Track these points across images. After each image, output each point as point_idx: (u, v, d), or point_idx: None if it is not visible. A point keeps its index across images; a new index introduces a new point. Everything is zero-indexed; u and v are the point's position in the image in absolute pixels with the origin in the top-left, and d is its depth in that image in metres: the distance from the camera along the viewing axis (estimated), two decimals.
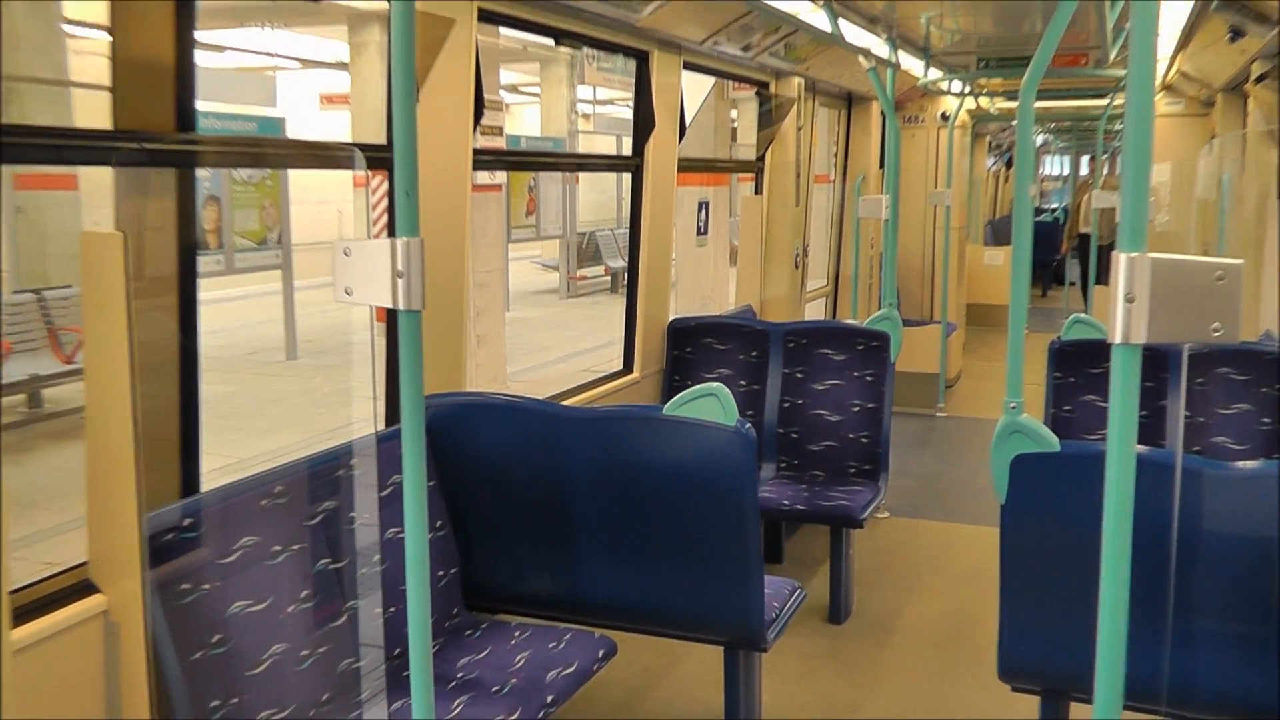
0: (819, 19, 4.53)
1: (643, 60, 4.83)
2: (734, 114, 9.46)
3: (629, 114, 4.81)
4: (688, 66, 5.22)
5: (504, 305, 11.80)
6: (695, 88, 8.27)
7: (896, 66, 5.31)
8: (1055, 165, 19.92)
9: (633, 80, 4.86)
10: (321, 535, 2.80)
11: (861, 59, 4.83)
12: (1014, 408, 2.86)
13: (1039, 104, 11.22)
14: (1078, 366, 4.54)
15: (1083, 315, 4.57)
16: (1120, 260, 1.36)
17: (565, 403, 4.28)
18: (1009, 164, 19.79)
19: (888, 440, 5.00)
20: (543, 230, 16.48)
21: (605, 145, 20.36)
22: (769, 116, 6.54)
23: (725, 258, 13.90)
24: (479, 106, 3.49)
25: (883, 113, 8.83)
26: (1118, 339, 1.37)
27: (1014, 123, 15.70)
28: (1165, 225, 8.73)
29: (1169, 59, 7.01)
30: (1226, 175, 7.40)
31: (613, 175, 22.02)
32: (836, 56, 6.39)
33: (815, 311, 8.79)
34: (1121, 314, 1.37)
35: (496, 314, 10.66)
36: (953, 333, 9.70)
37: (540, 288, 19.31)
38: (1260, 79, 5.90)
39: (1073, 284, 16.82)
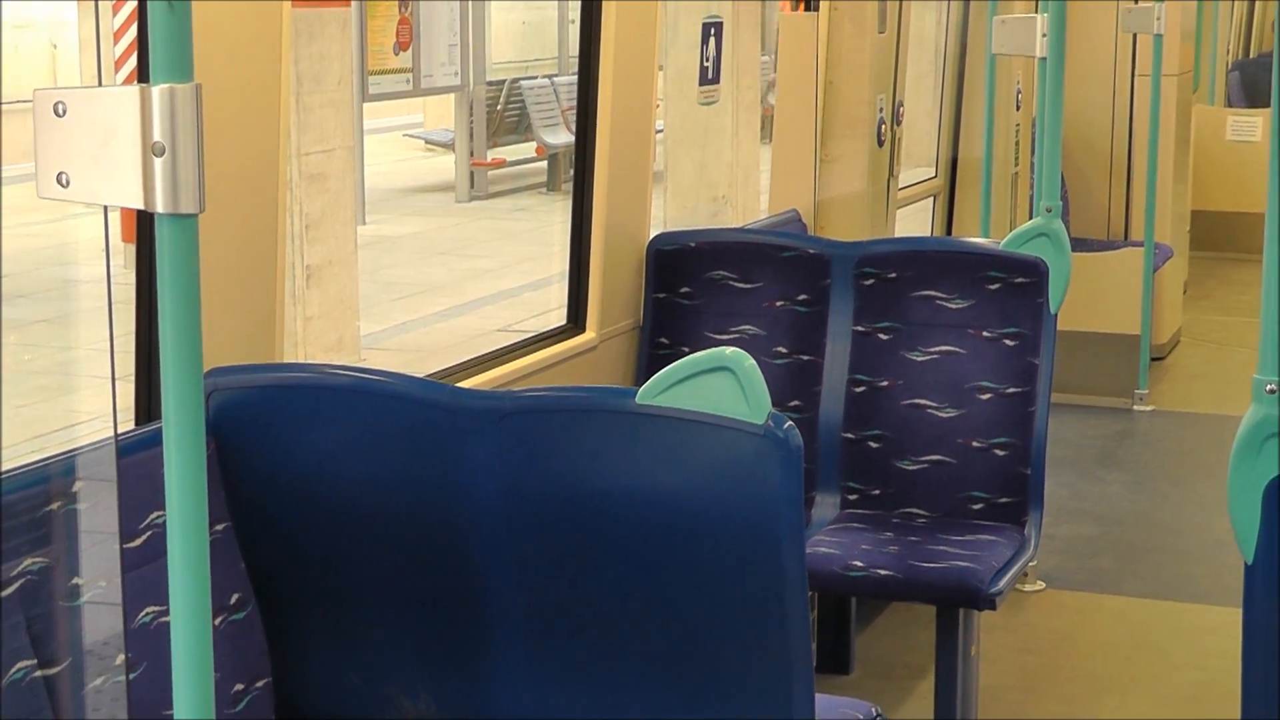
0: None
1: None
2: None
3: None
4: None
5: (356, 213, 11.84)
6: None
7: None
8: None
9: None
10: (18, 619, 2.82)
11: None
12: (1273, 392, 2.90)
13: None
14: None
15: None
16: None
17: (465, 384, 4.30)
18: None
19: (1042, 453, 5.04)
20: (426, 77, 16.41)
21: None
22: None
23: (753, 126, 13.90)
24: None
25: None
26: None
27: None
28: None
29: None
30: None
31: None
32: None
33: (915, 223, 8.84)
34: None
35: (341, 229, 10.64)
36: (1166, 262, 9.78)
37: (423, 182, 19.32)
38: None
39: None
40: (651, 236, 5.37)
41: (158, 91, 1.81)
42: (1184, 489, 7.81)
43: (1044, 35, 5.83)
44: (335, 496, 3.37)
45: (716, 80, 6.55)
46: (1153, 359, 9.40)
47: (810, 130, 6.59)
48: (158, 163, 1.81)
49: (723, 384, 3.08)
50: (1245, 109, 15.01)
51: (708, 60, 6.20)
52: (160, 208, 1.81)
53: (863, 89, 6.69)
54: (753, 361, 3.09)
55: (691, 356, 3.11)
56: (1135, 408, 9.05)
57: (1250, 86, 16.48)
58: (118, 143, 1.82)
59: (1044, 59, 5.80)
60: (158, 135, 1.80)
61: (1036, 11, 5.98)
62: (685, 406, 3.10)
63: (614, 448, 3.20)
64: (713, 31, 6.21)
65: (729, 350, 3.12)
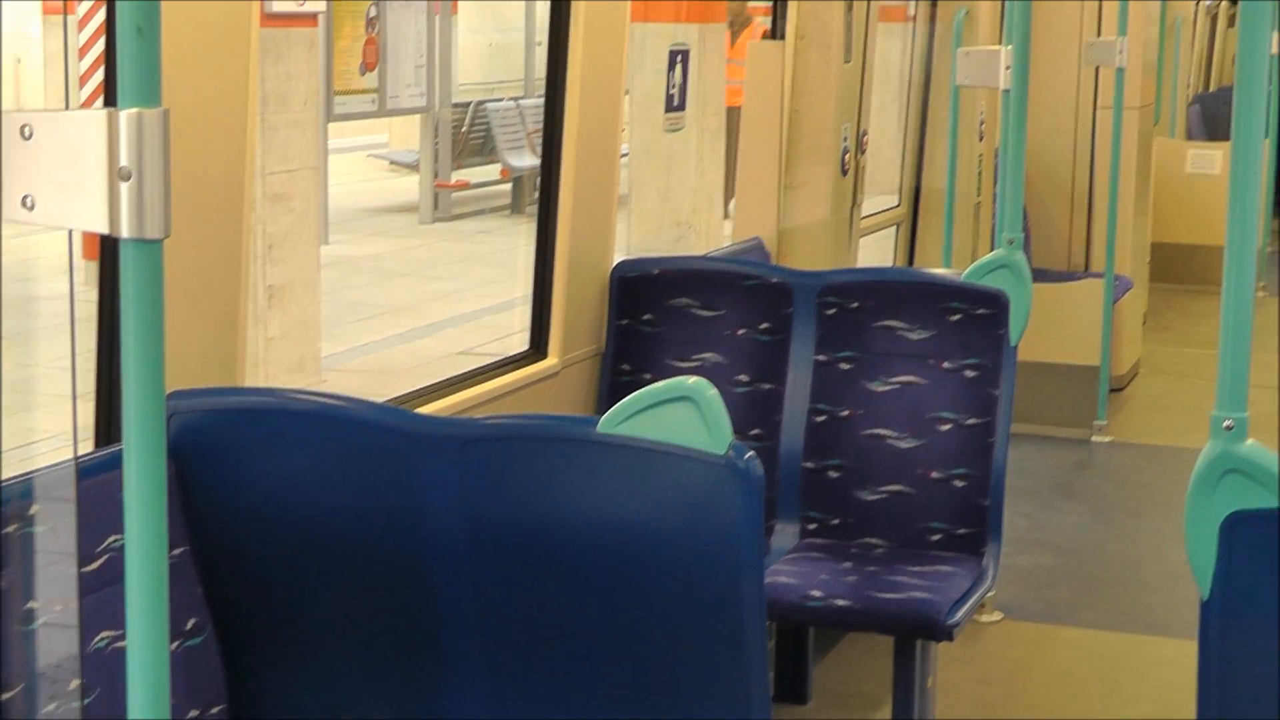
0: None
1: None
2: None
3: None
4: None
5: (319, 233, 11.81)
6: None
7: None
8: None
9: None
10: None
11: None
12: (1231, 429, 2.92)
13: None
14: None
15: None
16: None
17: (426, 409, 4.29)
18: None
19: (1002, 485, 5.05)
20: (392, 98, 16.41)
21: None
22: None
23: (718, 152, 13.96)
24: None
25: None
26: None
27: None
28: None
29: None
30: None
31: (518, 1, 22.01)
32: None
33: (878, 252, 8.86)
34: None
35: (305, 249, 10.63)
36: (1126, 294, 9.82)
37: (387, 202, 19.30)
38: None
39: None
40: (615, 263, 5.37)
41: (125, 116, 1.80)
42: (1142, 521, 7.84)
43: (1007, 68, 5.86)
44: (295, 522, 3.36)
45: (683, 107, 6.58)
46: (1112, 390, 9.44)
47: (775, 159, 6.60)
48: (124, 187, 1.80)
49: (684, 414, 3.09)
50: (1205, 142, 15.11)
51: (674, 87, 6.23)
52: (126, 233, 1.81)
53: (828, 118, 6.71)
54: (714, 391, 3.10)
55: (653, 386, 3.11)
56: (1094, 439, 9.08)
57: (1210, 120, 16.58)
58: (84, 167, 1.82)
59: (1007, 91, 5.84)
60: (124, 160, 1.80)
61: (1001, 44, 6.01)
62: (647, 436, 3.10)
63: (575, 476, 3.20)
64: (679, 59, 6.24)
65: (690, 380, 3.12)
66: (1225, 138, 15.20)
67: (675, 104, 6.41)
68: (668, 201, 14.43)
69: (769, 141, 6.62)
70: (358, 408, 3.38)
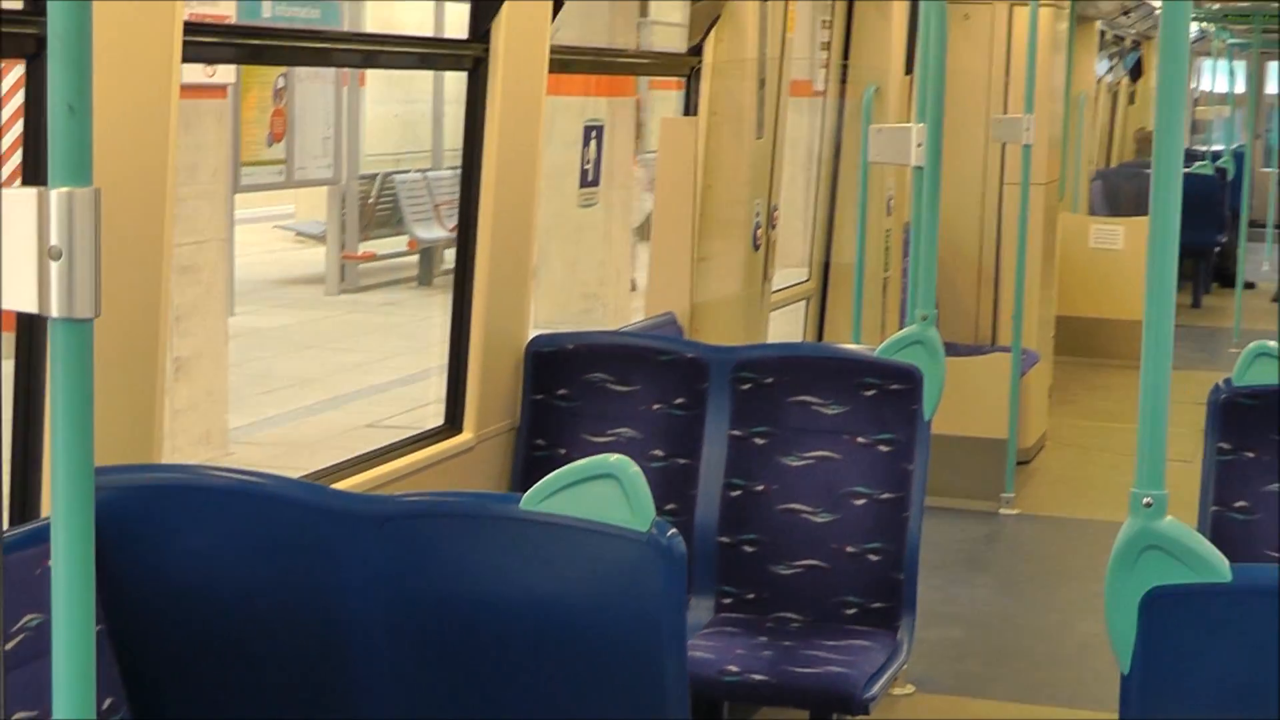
0: None
1: None
2: None
3: None
4: None
5: (227, 304, 11.75)
6: None
7: None
8: (1218, 77, 20.38)
9: None
10: None
11: None
12: (1150, 505, 2.94)
13: None
14: (1261, 433, 4.66)
15: (1270, 345, 4.69)
16: None
17: (341, 485, 4.27)
18: (1136, 72, 20.24)
19: (915, 559, 5.08)
20: (299, 170, 16.38)
21: (415, 15, 20.36)
22: None
23: (626, 225, 13.97)
24: None
25: None
26: None
27: (1147, 2, 16.11)
28: None
29: None
30: None
31: (426, 74, 21.99)
32: None
33: (787, 326, 8.89)
34: None
35: (212, 321, 10.58)
36: (1032, 367, 9.89)
37: (294, 274, 19.21)
38: None
39: (1250, 286, 17.23)
40: (530, 338, 5.36)
41: (56, 195, 1.79)
42: (1050, 593, 7.88)
43: (919, 144, 5.90)
44: (213, 600, 3.33)
45: (597, 183, 6.57)
46: (1019, 463, 9.49)
47: (687, 233, 6.62)
48: (54, 267, 1.79)
49: (606, 491, 3.09)
50: (1107, 217, 15.27)
51: (588, 163, 6.23)
52: (56, 312, 1.80)
53: (740, 193, 6.74)
54: (637, 469, 3.10)
55: (575, 464, 3.11)
56: (1001, 511, 9.12)
57: (1112, 195, 16.78)
58: (13, 245, 1.80)
59: (918, 167, 5.88)
60: (55, 239, 1.79)
61: (911, 121, 6.05)
62: (569, 513, 3.10)
63: (497, 554, 3.19)
64: (594, 135, 6.25)
65: (613, 457, 3.12)
66: (1127, 213, 15.46)
67: (589, 179, 6.40)
68: (575, 274, 14.47)
69: (682, 216, 6.64)
70: (277, 485, 3.36)
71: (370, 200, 18.60)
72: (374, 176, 18.91)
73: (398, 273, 19.01)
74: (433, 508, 3.25)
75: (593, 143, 6.19)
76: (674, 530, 3.09)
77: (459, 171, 5.26)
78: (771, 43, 6.84)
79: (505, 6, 4.92)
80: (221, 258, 11.01)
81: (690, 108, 6.69)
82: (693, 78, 6.67)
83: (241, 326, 14.76)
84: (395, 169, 19.76)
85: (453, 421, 5.10)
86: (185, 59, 3.55)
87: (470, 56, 4.97)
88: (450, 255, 19.12)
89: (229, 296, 12.62)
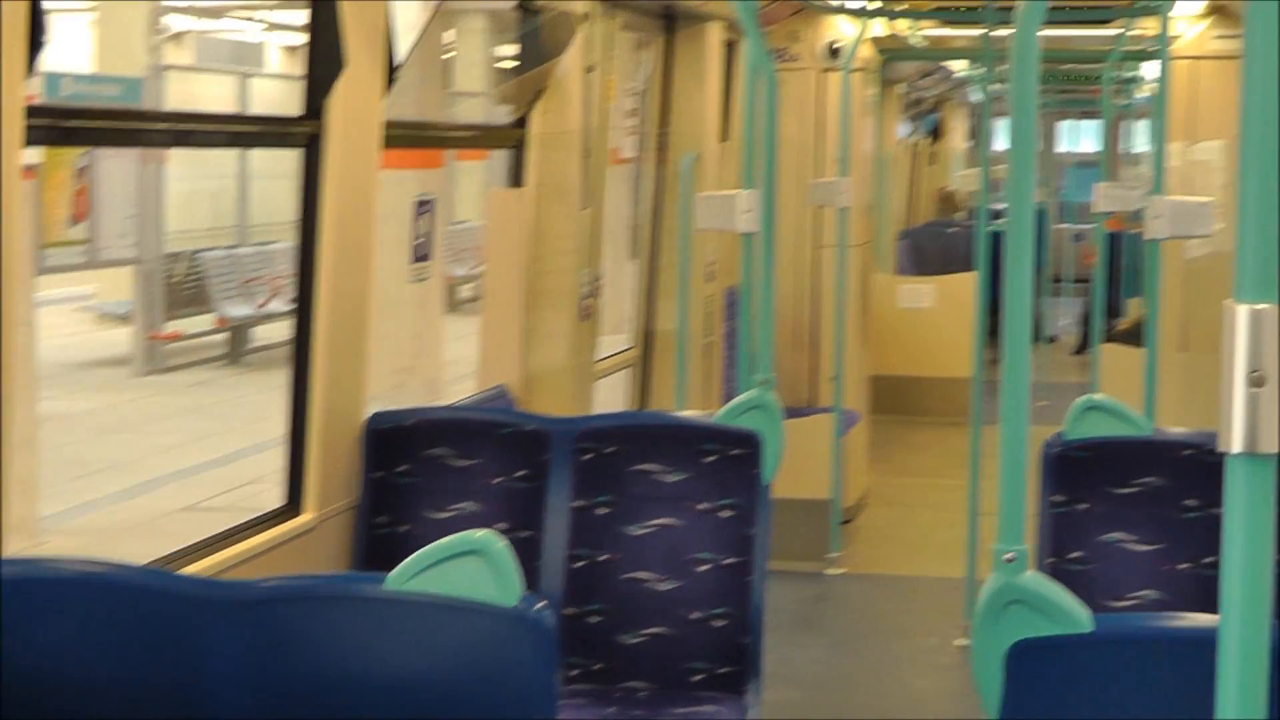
0: None
1: None
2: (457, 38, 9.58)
3: (266, 37, 4.80)
4: None
5: (34, 389, 11.53)
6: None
7: None
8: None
9: None
10: None
11: None
12: (1011, 560, 2.99)
13: (972, 31, 11.73)
14: (1093, 484, 4.76)
15: (1098, 398, 4.80)
16: (1238, 317, 1.48)
17: (189, 570, 4.21)
18: (935, 133, 20.66)
19: (760, 622, 5.11)
20: (102, 250, 16.19)
21: (216, 93, 20.25)
22: (536, 49, 6.65)
23: (438, 297, 13.85)
24: (36, 29, 3.46)
25: (729, 43, 9.09)
26: (1237, 446, 1.48)
27: (949, 62, 16.42)
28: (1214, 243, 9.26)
29: None
30: None
31: (230, 150, 21.87)
32: None
33: (610, 395, 8.91)
34: (1242, 408, 1.48)
35: (17, 405, 10.36)
36: (852, 427, 10.01)
37: (98, 355, 18.92)
38: None
39: (1052, 340, 17.64)
40: (370, 414, 5.34)
41: None
42: (882, 650, 7.96)
43: (745, 211, 5.95)
44: (68, 695, 3.26)
45: (428, 258, 6.55)
46: (842, 522, 9.59)
47: (517, 305, 6.63)
48: None
49: (472, 568, 3.09)
50: (914, 276, 15.51)
51: (420, 237, 6.22)
52: None
53: (567, 263, 6.77)
54: (503, 544, 3.10)
55: (440, 541, 3.10)
56: (828, 571, 9.20)
57: (917, 254, 17.05)
58: None
59: (751, 233, 5.92)
60: None
61: (741, 188, 6.07)
62: (436, 593, 3.09)
63: (363, 635, 3.16)
64: (425, 209, 6.24)
65: (478, 533, 3.12)
66: (932, 272, 15.69)
67: (421, 254, 6.38)
68: (388, 346, 14.36)
69: (511, 288, 6.65)
70: (130, 573, 3.31)
71: (176, 279, 18.40)
72: (179, 254, 18.72)
73: (205, 352, 18.81)
74: (296, 591, 3.22)
75: (425, 216, 6.18)
76: (543, 603, 3.10)
77: (265, 248, 5.24)
78: (596, 112, 6.90)
79: (339, 83, 4.92)
80: (26, 341, 10.82)
81: (517, 178, 6.71)
82: (519, 149, 6.70)
83: (48, 411, 14.51)
84: (201, 246, 19.57)
85: (293, 502, 5.05)
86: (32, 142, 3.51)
87: (304, 133, 4.95)
88: (260, 333, 19.06)
89: (33, 379, 12.41)
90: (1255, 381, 1.48)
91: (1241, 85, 1.55)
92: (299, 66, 5.09)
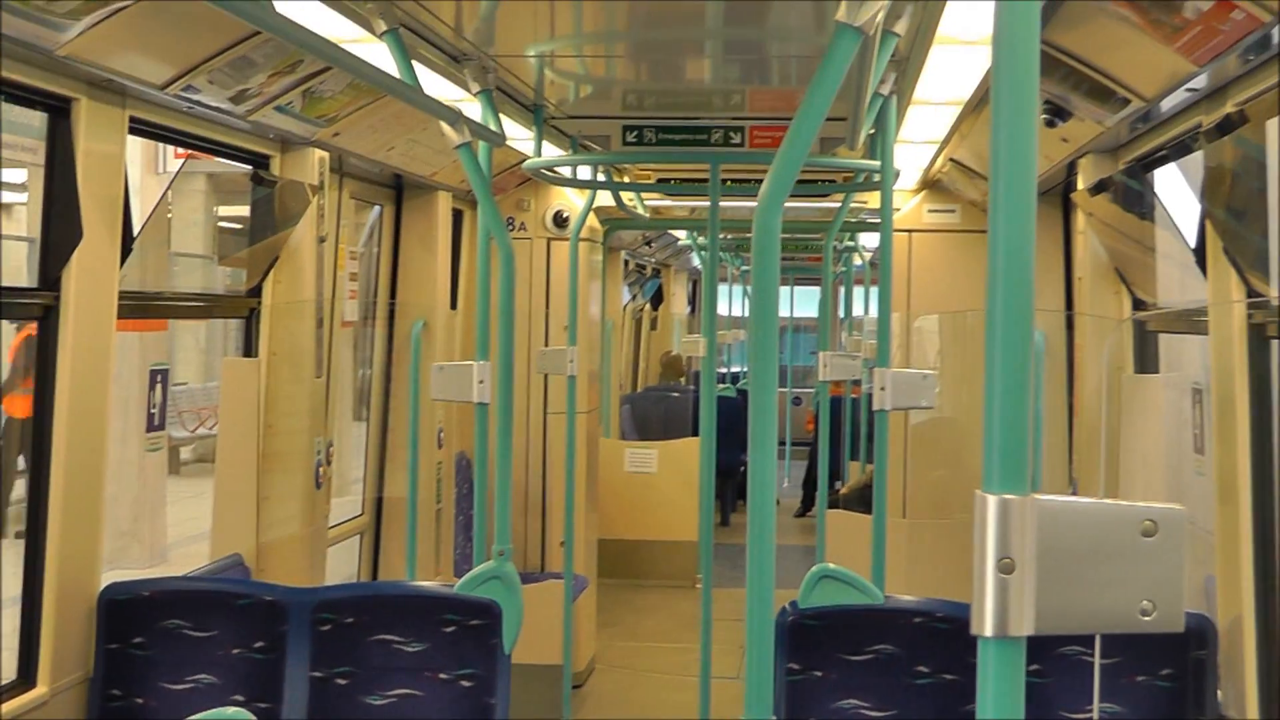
0: (376, 53, 4.76)
1: (59, 116, 4.86)
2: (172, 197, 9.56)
3: None
4: (136, 130, 5.28)
5: None
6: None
7: (501, 139, 5.60)
8: (733, 303, 21.17)
9: None
10: None
11: (447, 128, 5.07)
12: None
13: (693, 202, 11.99)
14: (827, 652, 4.88)
15: (831, 567, 4.94)
16: (988, 506, 1.59)
17: None
18: (656, 300, 20.95)
19: None
20: None
21: None
22: (269, 218, 6.68)
23: (160, 463, 13.73)
24: None
25: (457, 210, 9.21)
26: (989, 629, 1.59)
27: (668, 233, 16.67)
28: (933, 412, 9.54)
29: (939, 143, 7.77)
30: (1040, 335, 8.20)
31: None
32: (387, 116, 6.66)
33: (339, 563, 8.85)
34: (993, 592, 1.59)
35: None
36: (582, 592, 10.07)
37: None
38: (1099, 188, 6.50)
39: (775, 502, 17.80)
40: (104, 585, 5.27)
41: None
42: None
43: (480, 381, 5.99)
44: None
45: (163, 426, 6.51)
46: (573, 687, 9.60)
47: (251, 473, 6.62)
48: None
49: None
50: (638, 441, 15.65)
51: (154, 406, 6.18)
52: None
53: (301, 431, 6.78)
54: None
55: (202, 715, 3.10)
56: None
57: (640, 419, 17.19)
58: None
59: (484, 403, 5.96)
60: None
61: (478, 359, 6.13)
62: None
63: None
64: (159, 379, 6.21)
65: (230, 710, 3.13)
66: (654, 436, 15.83)
67: (156, 423, 6.33)
68: (108, 510, 14.13)
69: (245, 456, 6.64)
70: None
71: None
72: None
73: None
74: None
75: (158, 386, 6.14)
76: None
77: None
78: (329, 280, 6.95)
79: (75, 255, 4.92)
80: None
81: (250, 348, 6.72)
82: (252, 318, 6.71)
83: None
84: None
85: (25, 675, 4.96)
86: None
87: (40, 305, 4.93)
88: None
89: None
90: (1004, 568, 1.60)
91: (987, 285, 1.65)
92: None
